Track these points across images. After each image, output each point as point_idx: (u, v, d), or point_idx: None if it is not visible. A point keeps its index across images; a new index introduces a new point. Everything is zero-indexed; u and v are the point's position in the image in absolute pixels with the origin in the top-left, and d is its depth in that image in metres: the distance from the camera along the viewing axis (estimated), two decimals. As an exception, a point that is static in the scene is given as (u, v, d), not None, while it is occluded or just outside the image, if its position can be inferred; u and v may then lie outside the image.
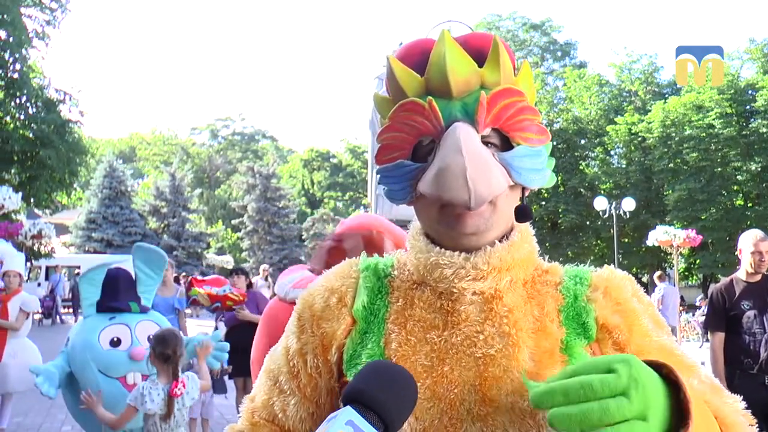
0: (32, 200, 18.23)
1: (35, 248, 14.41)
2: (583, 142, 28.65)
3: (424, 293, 0.92)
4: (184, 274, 17.89)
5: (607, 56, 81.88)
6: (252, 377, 1.29)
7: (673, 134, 24.97)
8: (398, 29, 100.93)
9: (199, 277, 5.72)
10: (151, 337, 3.40)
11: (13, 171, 17.95)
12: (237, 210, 34.13)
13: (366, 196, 39.02)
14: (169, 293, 5.64)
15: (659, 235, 13.14)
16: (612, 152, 28.52)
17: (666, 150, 25.32)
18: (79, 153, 19.35)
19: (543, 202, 27.64)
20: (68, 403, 3.85)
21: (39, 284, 18.36)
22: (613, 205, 19.43)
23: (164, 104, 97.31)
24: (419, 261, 0.92)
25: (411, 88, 0.88)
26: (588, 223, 27.58)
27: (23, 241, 13.33)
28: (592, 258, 26.68)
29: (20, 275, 6.09)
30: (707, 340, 7.97)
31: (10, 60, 17.49)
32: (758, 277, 3.83)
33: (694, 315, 16.44)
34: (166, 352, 3.06)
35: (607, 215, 20.53)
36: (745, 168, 24.28)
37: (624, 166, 27.89)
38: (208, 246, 32.19)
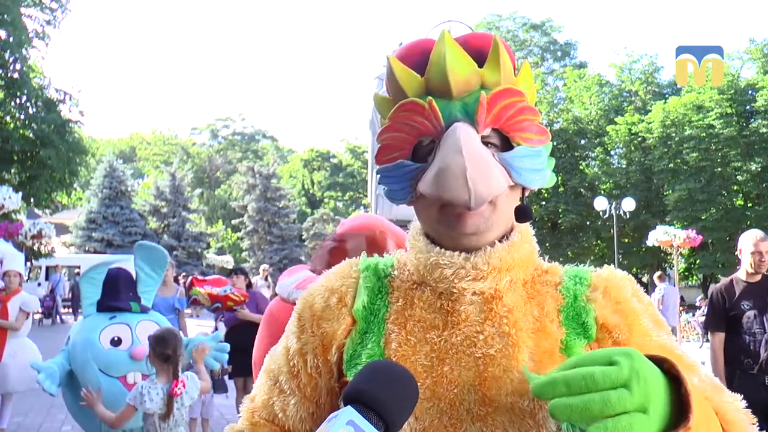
0: (32, 200, 18.22)
1: (35, 248, 14.38)
2: (583, 142, 28.64)
3: (424, 293, 0.92)
4: (184, 274, 17.88)
5: (607, 56, 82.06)
6: (253, 377, 1.29)
7: (673, 134, 24.96)
8: (398, 29, 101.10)
9: (200, 277, 5.72)
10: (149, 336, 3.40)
11: (13, 171, 17.94)
12: (237, 210, 34.16)
13: (366, 196, 39.02)
14: (169, 293, 5.64)
15: (659, 235, 13.13)
16: (612, 152, 28.51)
17: (666, 150, 25.31)
18: (79, 153, 19.34)
19: (543, 202, 27.63)
20: (68, 403, 3.85)
21: (39, 284, 18.36)
22: (613, 205, 19.43)
23: (164, 104, 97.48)
24: (419, 261, 0.92)
25: (411, 88, 0.88)
26: (588, 223, 27.57)
27: (23, 241, 13.31)
28: (592, 258, 26.65)
29: (20, 275, 6.09)
30: (707, 341, 7.98)
31: (10, 60, 17.49)
32: (758, 278, 3.83)
33: (694, 315, 16.41)
34: (165, 351, 3.07)
35: (607, 215, 20.53)
36: (745, 168, 24.26)
37: (624, 166, 27.88)
38: (208, 246, 32.19)
